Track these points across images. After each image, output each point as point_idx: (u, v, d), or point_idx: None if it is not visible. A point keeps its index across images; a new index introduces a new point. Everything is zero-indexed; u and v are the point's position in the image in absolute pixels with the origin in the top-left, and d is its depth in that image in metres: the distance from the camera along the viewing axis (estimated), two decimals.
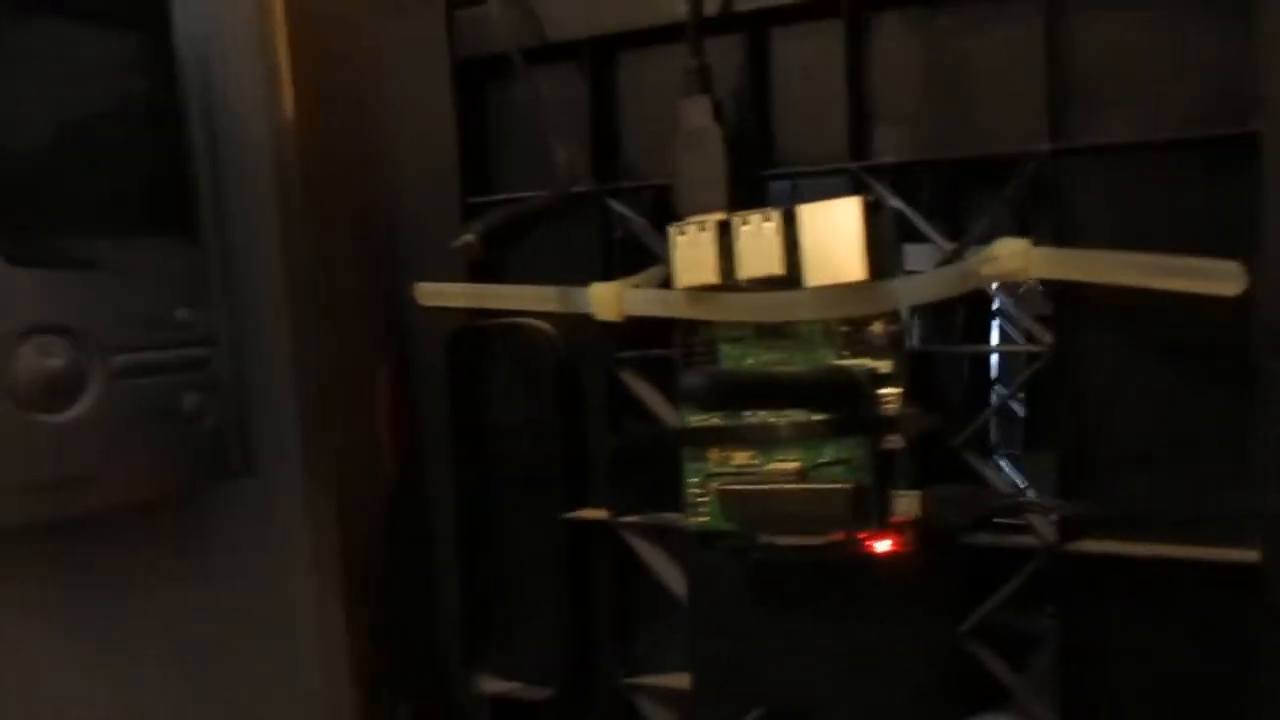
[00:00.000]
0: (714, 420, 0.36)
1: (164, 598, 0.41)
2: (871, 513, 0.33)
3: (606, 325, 0.38)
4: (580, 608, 0.42)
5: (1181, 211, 0.33)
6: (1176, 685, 0.33)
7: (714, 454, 0.36)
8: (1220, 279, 0.29)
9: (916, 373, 0.34)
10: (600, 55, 0.41)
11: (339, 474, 0.46)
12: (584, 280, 0.39)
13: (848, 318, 0.34)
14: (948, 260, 0.35)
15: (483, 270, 0.43)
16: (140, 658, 0.40)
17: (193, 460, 0.38)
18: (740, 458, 0.36)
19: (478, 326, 0.43)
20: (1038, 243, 0.32)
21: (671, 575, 0.40)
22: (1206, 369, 0.33)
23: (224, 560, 0.43)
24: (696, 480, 0.36)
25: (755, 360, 0.36)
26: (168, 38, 0.38)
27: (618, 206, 0.40)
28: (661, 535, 0.40)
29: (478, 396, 0.44)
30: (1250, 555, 0.32)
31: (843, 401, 0.32)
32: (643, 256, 0.39)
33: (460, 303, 0.42)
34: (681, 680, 0.40)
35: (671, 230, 0.36)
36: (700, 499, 0.36)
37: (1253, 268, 0.30)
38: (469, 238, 0.37)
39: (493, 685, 0.44)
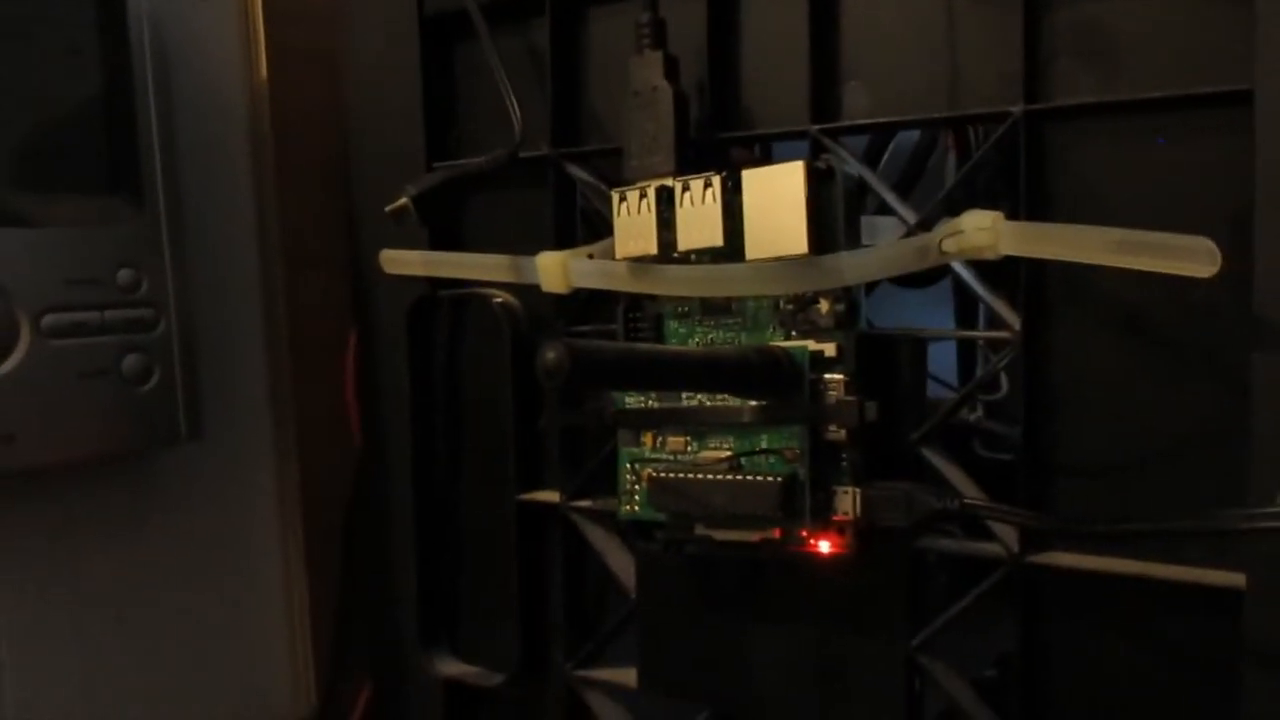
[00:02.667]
0: (649, 403, 0.33)
1: (119, 562, 0.40)
2: (804, 508, 0.30)
3: (560, 297, 0.36)
4: (532, 594, 0.40)
5: (1174, 182, 0.28)
6: (1146, 711, 0.29)
7: (648, 438, 0.33)
8: (1191, 257, 0.25)
9: (867, 357, 0.31)
10: (565, 11, 0.38)
11: (307, 441, 0.45)
12: (546, 249, 0.37)
13: (792, 295, 0.31)
14: (912, 233, 0.32)
15: (447, 238, 0.41)
16: (85, 623, 0.39)
17: (131, 422, 0.37)
18: (675, 443, 0.33)
19: (439, 296, 0.41)
20: (1010, 216, 0.28)
21: (623, 565, 0.38)
22: (1193, 365, 0.29)
23: (182, 522, 0.42)
24: (630, 465, 0.34)
25: (700, 338, 0.33)
26: None
27: (576, 171, 0.38)
28: (614, 521, 0.38)
29: (438, 368, 0.42)
30: (1235, 579, 0.28)
31: (757, 385, 0.29)
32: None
33: (419, 270, 0.40)
34: (631, 675, 0.38)
35: (613, 195, 0.34)
36: (633, 485, 0.34)
37: (1246, 245, 0.26)
38: (403, 200, 0.35)
39: (449, 667, 0.43)
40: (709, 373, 0.29)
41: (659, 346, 0.32)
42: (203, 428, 0.39)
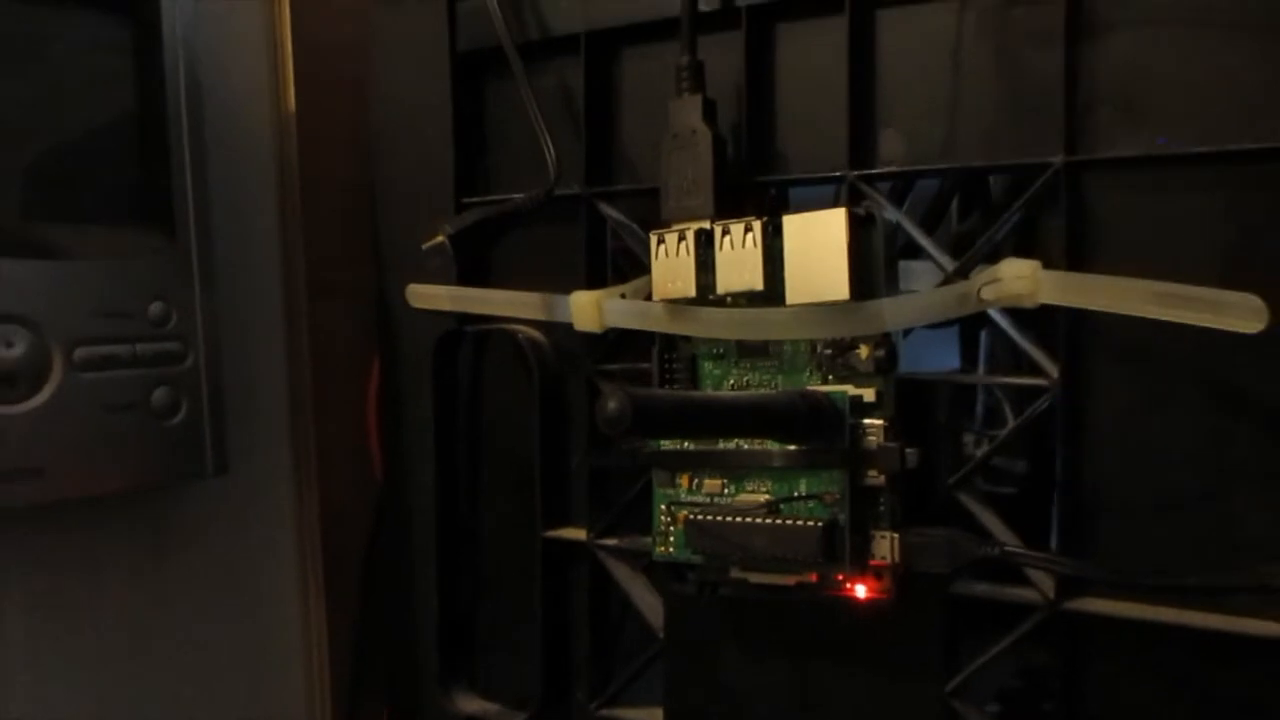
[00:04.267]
0: (685, 445, 0.33)
1: (141, 591, 0.40)
2: (844, 553, 0.30)
3: (590, 335, 0.36)
4: (557, 631, 0.40)
5: (1208, 235, 0.29)
6: None
7: (684, 480, 0.33)
8: (1240, 315, 0.25)
9: (905, 401, 0.31)
10: (599, 51, 0.38)
11: (328, 472, 0.45)
12: (576, 287, 0.37)
13: (832, 339, 0.31)
14: (949, 280, 0.32)
15: (475, 272, 0.41)
16: (106, 654, 0.39)
17: (159, 456, 0.37)
18: (711, 485, 0.33)
19: (467, 330, 0.41)
20: (1047, 265, 0.29)
21: (650, 603, 0.38)
22: (1236, 412, 0.29)
23: (203, 558, 0.42)
24: (665, 507, 0.34)
25: (736, 380, 0.33)
26: (155, 22, 0.37)
27: (609, 210, 0.38)
28: (641, 559, 0.38)
29: (464, 402, 0.42)
30: (1274, 629, 0.28)
31: (802, 430, 0.29)
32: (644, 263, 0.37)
33: (447, 306, 0.40)
34: (657, 715, 0.38)
35: (651, 237, 0.34)
36: (668, 527, 0.34)
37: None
38: (440, 239, 0.36)
39: (469, 704, 0.42)
40: (759, 419, 0.29)
41: (712, 394, 0.33)
42: (228, 461, 0.39)
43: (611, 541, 0.38)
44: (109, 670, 0.39)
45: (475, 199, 0.41)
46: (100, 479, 0.35)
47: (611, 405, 0.22)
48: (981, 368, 0.45)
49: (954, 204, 0.43)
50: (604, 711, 0.39)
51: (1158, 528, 0.30)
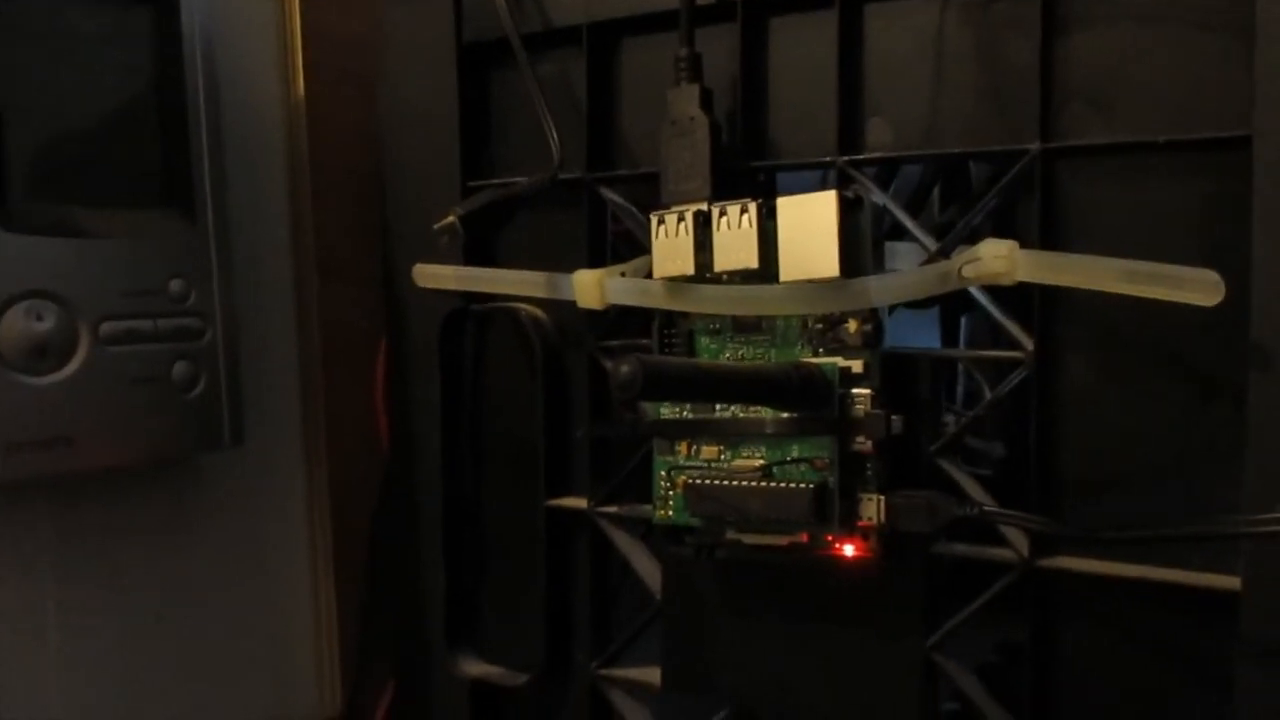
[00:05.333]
0: (684, 413, 0.35)
1: (155, 563, 0.42)
2: (833, 515, 0.32)
3: (591, 313, 0.38)
4: (559, 596, 0.42)
5: (1174, 218, 0.31)
6: (1149, 708, 0.32)
7: (683, 448, 0.35)
8: (1198, 289, 0.27)
9: (891, 374, 0.33)
10: (601, 42, 0.40)
11: (335, 447, 0.47)
12: (576, 267, 0.39)
13: (822, 314, 0.33)
14: (932, 259, 0.34)
15: (480, 254, 0.43)
16: (127, 617, 0.41)
17: (179, 427, 0.39)
18: (709, 452, 0.35)
19: (472, 309, 0.43)
20: (1024, 245, 0.31)
21: (648, 568, 0.40)
22: (1194, 384, 0.31)
23: (218, 527, 0.44)
24: (665, 473, 0.36)
25: (731, 354, 0.35)
26: (174, 12, 0.38)
27: (609, 194, 0.40)
28: (640, 526, 0.40)
29: (469, 379, 0.44)
30: (1232, 582, 0.30)
31: (794, 398, 0.31)
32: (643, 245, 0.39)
33: (453, 285, 0.42)
34: (654, 674, 0.40)
35: (652, 219, 0.36)
36: (668, 492, 0.36)
37: (1242, 278, 0.29)
38: (451, 219, 0.37)
39: (474, 668, 0.44)
40: (757, 386, 0.31)
41: (715, 363, 0.35)
42: (244, 433, 0.41)
43: (611, 509, 0.40)
44: (130, 638, 0.41)
45: (479, 182, 0.43)
46: (126, 448, 0.37)
47: (624, 370, 0.24)
48: (963, 348, 0.48)
49: (937, 194, 0.46)
50: (604, 672, 0.41)
51: (1125, 497, 0.32)
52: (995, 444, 0.40)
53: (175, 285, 0.38)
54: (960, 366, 0.50)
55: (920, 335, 0.48)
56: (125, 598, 0.41)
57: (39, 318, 0.35)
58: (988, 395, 0.40)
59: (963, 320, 0.49)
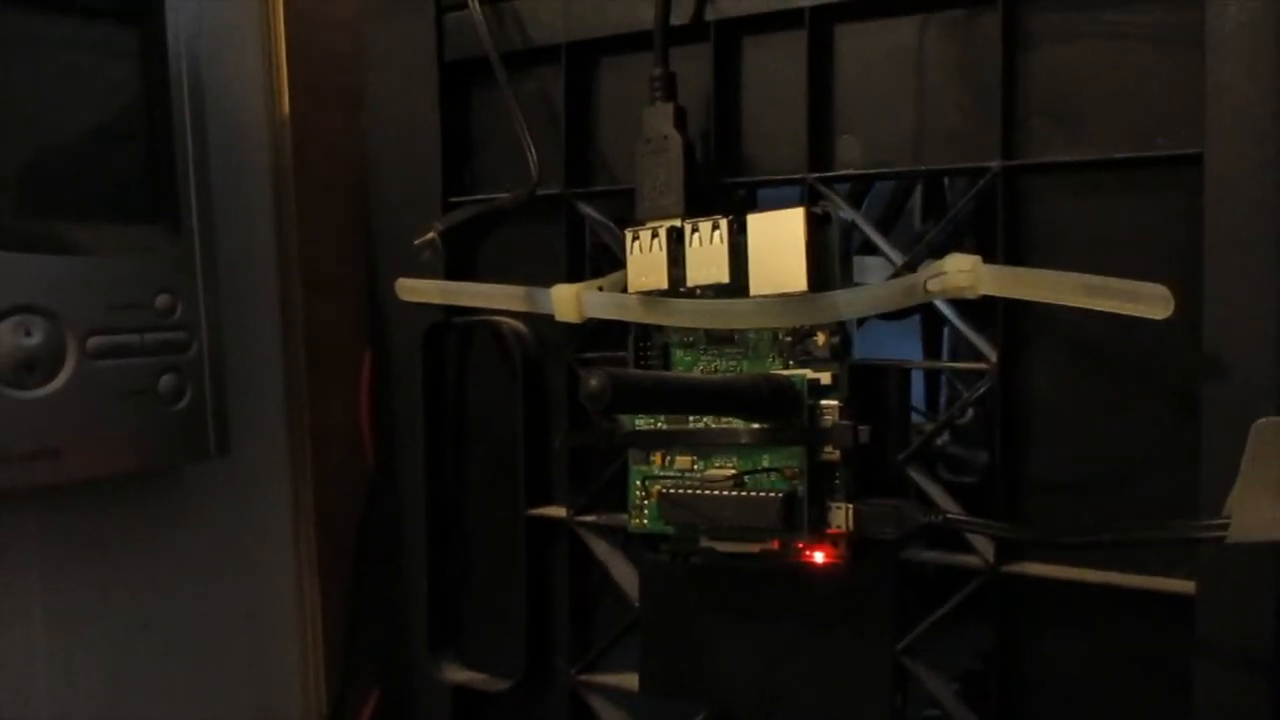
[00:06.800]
0: (658, 424, 0.36)
1: (142, 572, 0.42)
2: (803, 522, 0.33)
3: (570, 326, 0.39)
4: (539, 604, 0.43)
5: (1132, 233, 0.32)
6: (1114, 710, 0.33)
7: (657, 458, 0.36)
8: (1151, 302, 0.28)
9: (859, 385, 0.34)
10: (579, 61, 0.41)
11: (320, 457, 0.48)
12: (555, 281, 0.39)
13: (791, 328, 0.34)
14: (899, 274, 0.35)
15: (461, 267, 0.44)
16: (114, 626, 0.42)
17: (166, 439, 0.39)
18: (682, 462, 0.36)
19: (454, 322, 0.44)
20: (988, 260, 0.32)
21: (626, 576, 0.41)
22: (1152, 394, 0.32)
23: (204, 536, 0.44)
24: (640, 483, 0.37)
25: (705, 366, 0.36)
26: (160, 31, 0.39)
27: (587, 210, 0.41)
28: (618, 535, 0.41)
29: (451, 390, 0.45)
30: (1187, 587, 0.31)
31: (764, 410, 0.32)
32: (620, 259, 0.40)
33: (435, 299, 0.43)
34: (632, 680, 0.41)
35: (627, 234, 0.37)
36: (643, 501, 0.36)
37: (1196, 289, 0.30)
38: (431, 234, 0.38)
39: (456, 674, 0.45)
40: (726, 398, 0.32)
41: (685, 375, 0.35)
42: (230, 444, 0.42)
43: (590, 518, 0.41)
44: (117, 644, 0.42)
45: (462, 198, 0.44)
46: (113, 459, 0.38)
47: (593, 383, 0.25)
48: (945, 358, 0.49)
49: (918, 207, 0.47)
50: (584, 678, 0.42)
51: (1091, 503, 0.33)
52: (979, 452, 0.41)
53: (162, 299, 0.39)
54: (943, 377, 0.51)
55: (903, 346, 0.50)
56: (112, 606, 0.41)
57: (28, 333, 0.36)
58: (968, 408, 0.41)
59: (945, 331, 0.50)
